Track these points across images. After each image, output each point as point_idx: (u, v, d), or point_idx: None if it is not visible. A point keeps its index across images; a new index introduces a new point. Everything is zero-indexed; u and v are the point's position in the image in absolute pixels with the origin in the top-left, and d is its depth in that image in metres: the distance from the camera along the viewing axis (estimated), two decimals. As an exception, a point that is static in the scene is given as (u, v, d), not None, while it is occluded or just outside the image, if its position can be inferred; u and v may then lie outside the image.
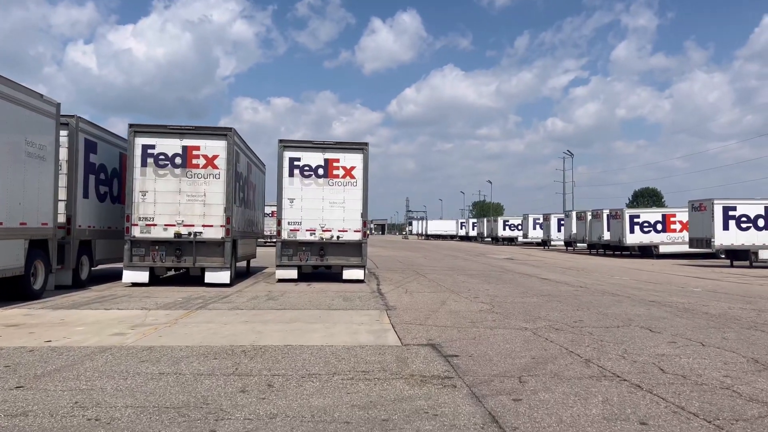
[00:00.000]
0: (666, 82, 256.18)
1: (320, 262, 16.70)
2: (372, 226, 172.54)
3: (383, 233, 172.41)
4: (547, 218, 59.94)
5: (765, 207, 31.62)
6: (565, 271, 24.28)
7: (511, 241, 71.45)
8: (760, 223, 31.41)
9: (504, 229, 72.73)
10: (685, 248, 40.41)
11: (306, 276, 17.27)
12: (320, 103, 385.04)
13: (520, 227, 69.43)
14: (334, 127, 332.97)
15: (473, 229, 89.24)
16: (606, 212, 45.70)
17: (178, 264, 15.00)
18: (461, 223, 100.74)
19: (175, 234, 14.80)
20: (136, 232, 14.82)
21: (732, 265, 31.48)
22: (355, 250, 16.77)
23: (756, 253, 31.14)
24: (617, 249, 44.56)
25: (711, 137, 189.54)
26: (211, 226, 14.99)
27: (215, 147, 15.14)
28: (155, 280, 15.50)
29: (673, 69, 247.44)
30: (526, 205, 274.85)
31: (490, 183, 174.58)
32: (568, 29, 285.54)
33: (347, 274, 16.73)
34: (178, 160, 15.00)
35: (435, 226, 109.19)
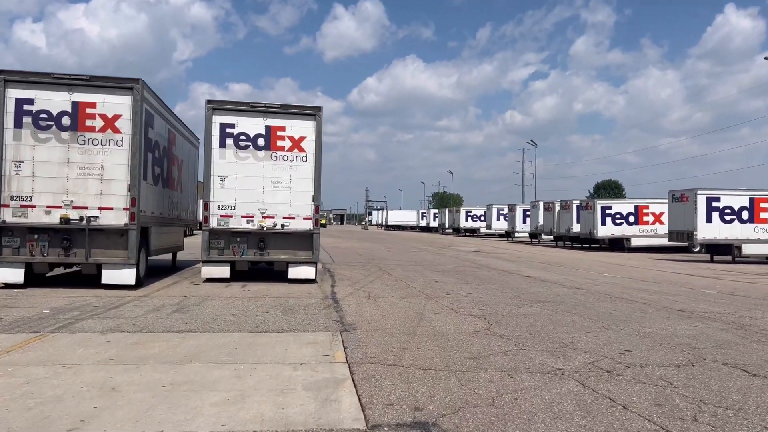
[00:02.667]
0: (621, 77, 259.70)
1: (259, 257, 13.20)
2: (331, 215, 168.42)
3: (342, 223, 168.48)
4: (512, 209, 57.56)
5: (750, 198, 29.57)
6: (544, 267, 21.45)
7: (473, 232, 69.05)
8: (745, 215, 29.34)
9: (467, 220, 70.20)
10: (658, 241, 38.46)
11: (242, 274, 13.75)
12: (280, 90, 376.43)
13: (483, 218, 67.03)
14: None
15: (434, 220, 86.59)
16: (576, 203, 43.43)
17: (66, 259, 11.28)
18: (422, 213, 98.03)
19: (61, 219, 11.07)
20: (6, 215, 11.02)
21: (712, 260, 29.41)
22: (304, 242, 13.34)
23: (739, 248, 29.04)
24: (586, 242, 42.34)
25: (662, 133, 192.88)
26: (111, 208, 11.30)
27: (117, 104, 11.42)
28: (36, 279, 11.70)
29: (629, 65, 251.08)
30: (484, 197, 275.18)
31: (451, 173, 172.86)
32: (529, 22, 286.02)
33: (294, 272, 13.28)
34: (65, 121, 11.23)
35: (395, 217, 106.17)
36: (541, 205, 49.52)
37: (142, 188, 11.74)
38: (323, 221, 78.59)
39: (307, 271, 13.29)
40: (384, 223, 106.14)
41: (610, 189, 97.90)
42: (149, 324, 7.66)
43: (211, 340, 6.61)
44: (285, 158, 13.28)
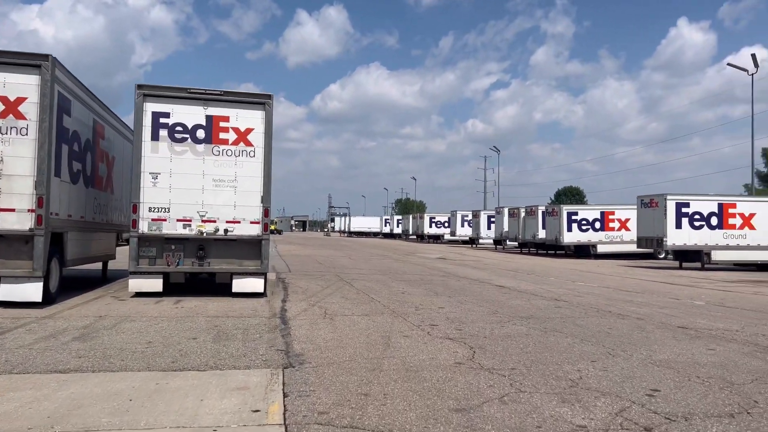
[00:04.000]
0: (580, 88, 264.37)
1: (198, 268, 11.35)
2: (293, 222, 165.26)
3: (304, 230, 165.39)
4: (476, 215, 56.65)
5: (718, 204, 28.97)
6: (515, 275, 20.13)
7: (437, 238, 67.89)
8: (714, 221, 28.73)
9: (430, 226, 69.01)
10: (624, 248, 37.85)
11: (178, 287, 11.87)
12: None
13: (447, 224, 66.00)
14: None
15: (398, 226, 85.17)
16: (541, 209, 42.60)
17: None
18: (385, 220, 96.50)
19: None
20: None
21: (681, 267, 28.71)
22: (251, 249, 11.55)
23: (709, 254, 28.37)
24: (552, 248, 41.50)
25: (619, 142, 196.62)
26: (12, 210, 9.32)
27: (20, 84, 9.46)
28: None
29: (588, 76, 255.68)
30: (447, 204, 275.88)
31: (415, 180, 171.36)
32: (491, 32, 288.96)
33: (239, 285, 11.46)
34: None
35: (358, 223, 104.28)
36: (506, 211, 48.60)
37: (53, 186, 9.79)
38: (274, 226, 75.64)
39: (254, 284, 11.50)
40: (347, 229, 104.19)
41: (572, 196, 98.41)
42: (30, 359, 5.80)
43: (101, 386, 4.82)
44: (229, 153, 11.49)
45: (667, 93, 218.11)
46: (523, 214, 44.49)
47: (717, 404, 4.69)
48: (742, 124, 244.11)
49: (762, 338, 8.17)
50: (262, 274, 11.55)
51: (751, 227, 28.61)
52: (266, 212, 11.60)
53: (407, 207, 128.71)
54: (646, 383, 5.29)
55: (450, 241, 63.57)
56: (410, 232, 74.25)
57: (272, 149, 11.84)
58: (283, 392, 4.74)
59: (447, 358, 6.18)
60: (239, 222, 11.44)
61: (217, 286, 12.03)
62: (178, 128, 11.34)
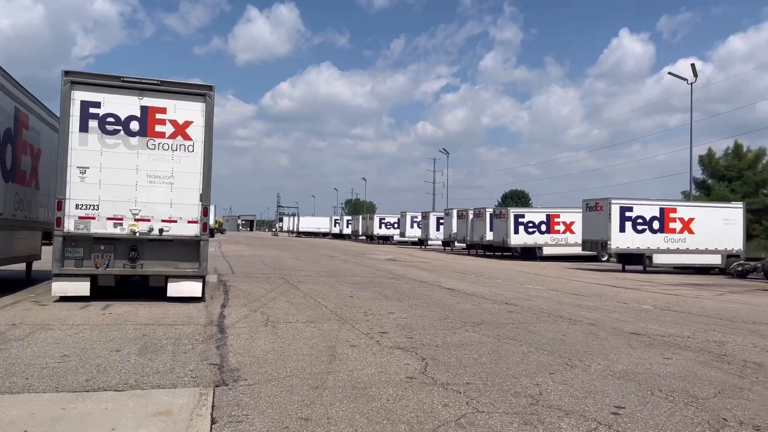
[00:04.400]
0: (527, 94, 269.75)
1: (131, 270, 10.51)
2: (240, 221, 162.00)
3: (252, 229, 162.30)
4: (425, 216, 56.74)
5: (660, 208, 29.76)
6: (464, 277, 19.95)
7: (387, 239, 67.68)
8: (655, 225, 29.47)
9: (380, 227, 68.76)
10: (569, 250, 38.53)
11: (107, 291, 10.98)
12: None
13: (396, 225, 65.92)
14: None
15: (348, 227, 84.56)
16: (489, 211, 43.00)
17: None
18: (335, 220, 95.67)
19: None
20: None
21: (623, 270, 29.35)
22: (188, 251, 10.78)
23: (650, 257, 29.08)
24: (499, 249, 41.91)
25: (563, 147, 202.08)
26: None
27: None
28: None
29: (534, 82, 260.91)
30: (397, 205, 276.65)
31: (365, 180, 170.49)
32: (441, 36, 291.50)
33: (174, 288, 10.67)
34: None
35: (307, 223, 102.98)
36: (454, 213, 48.84)
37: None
38: (217, 225, 73.25)
39: (191, 287, 10.74)
40: (295, 229, 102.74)
41: (518, 199, 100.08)
42: None
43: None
44: (166, 147, 10.70)
45: (608, 101, 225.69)
46: (471, 216, 44.76)
47: (686, 423, 4.39)
48: (677, 132, 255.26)
49: (714, 345, 8.07)
50: (200, 277, 10.80)
51: (690, 231, 29.49)
52: (205, 211, 10.86)
53: (357, 207, 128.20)
54: (609, 399, 4.96)
55: (399, 242, 63.50)
56: (360, 233, 73.80)
57: (213, 144, 11.13)
58: (212, 417, 4.15)
59: (398, 372, 5.71)
60: (176, 221, 10.67)
61: (151, 290, 11.19)
62: (110, 119, 10.47)
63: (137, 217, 10.49)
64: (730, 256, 29.14)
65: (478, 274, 21.74)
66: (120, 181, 10.42)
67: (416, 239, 58.82)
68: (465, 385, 5.26)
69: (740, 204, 31.37)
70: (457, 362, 6.27)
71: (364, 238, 71.97)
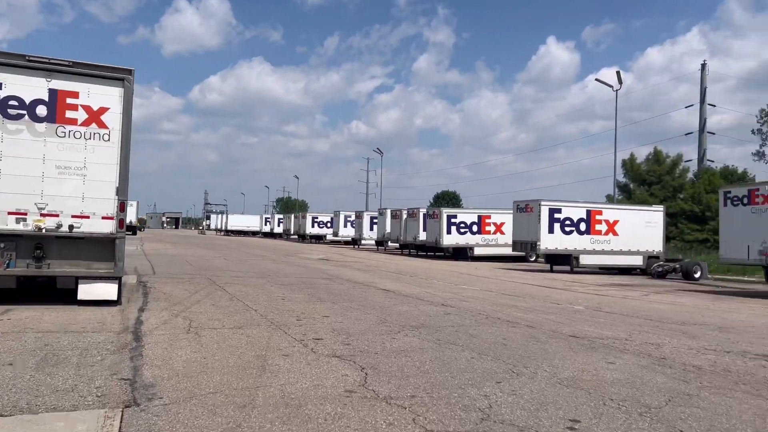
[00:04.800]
0: (458, 97, 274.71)
1: (35, 271, 9.43)
2: (165, 218, 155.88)
3: (177, 227, 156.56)
4: (359, 216, 56.36)
5: (587, 210, 30.63)
6: (399, 277, 19.67)
7: (319, 238, 66.79)
8: (582, 227, 30.30)
9: (313, 226, 67.77)
10: (499, 251, 39.16)
11: (8, 294, 9.84)
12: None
13: (329, 224, 65.14)
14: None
15: (279, 226, 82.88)
16: (423, 211, 43.15)
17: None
18: (266, 218, 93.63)
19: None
20: None
21: (551, 270, 30.02)
22: (102, 249, 9.82)
23: (577, 258, 29.84)
24: (432, 250, 42.08)
25: (491, 150, 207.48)
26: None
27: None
28: None
29: (465, 85, 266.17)
30: (329, 204, 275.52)
31: (297, 178, 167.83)
32: (375, 36, 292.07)
33: (86, 291, 9.68)
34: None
35: (236, 221, 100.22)
36: (388, 212, 48.69)
37: None
38: (138, 223, 69.34)
39: (105, 290, 9.78)
40: (224, 228, 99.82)
41: (449, 199, 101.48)
42: None
43: None
44: (78, 135, 9.69)
45: (536, 106, 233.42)
46: (405, 216, 44.76)
47: (644, 437, 4.12)
48: (599, 138, 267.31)
49: (652, 348, 8.03)
50: (115, 278, 9.86)
51: (615, 233, 30.50)
52: (122, 206, 9.93)
53: (289, 206, 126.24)
54: (562, 411, 4.65)
55: (332, 242, 62.78)
56: (292, 232, 72.51)
57: (134, 135, 10.23)
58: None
59: (335, 385, 5.19)
60: (88, 217, 9.69)
61: (59, 293, 10.13)
62: (13, 102, 9.37)
63: (44, 211, 9.45)
64: (650, 257, 30.32)
65: (412, 275, 21.50)
66: (24, 172, 9.35)
67: (349, 239, 58.28)
68: (410, 399, 4.82)
69: (661, 207, 32.77)
70: (399, 371, 5.83)
71: (296, 237, 70.78)
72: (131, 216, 62.18)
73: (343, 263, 27.05)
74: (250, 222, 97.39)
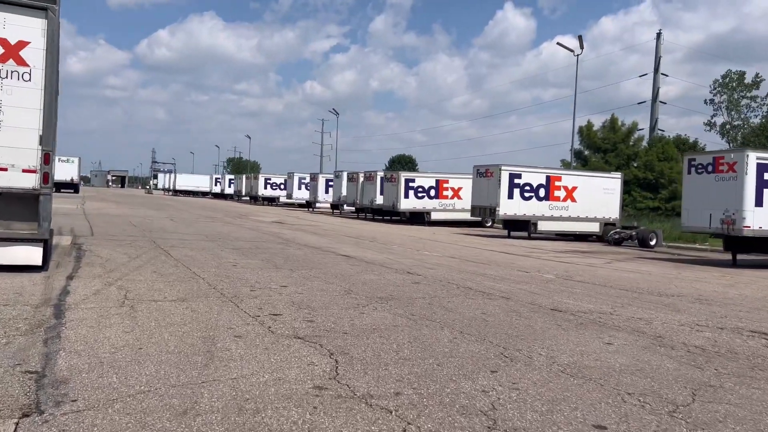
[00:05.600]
0: (415, 60, 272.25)
1: (-60, 231, 8.04)
2: (110, 177, 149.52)
3: (123, 186, 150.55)
4: (314, 178, 54.83)
5: (546, 176, 30.27)
6: (358, 242, 18.78)
7: (272, 201, 64.98)
8: (541, 192, 29.95)
9: (266, 187, 65.79)
10: (456, 216, 38.71)
11: None
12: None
13: (283, 187, 63.40)
14: (70, 64, 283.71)
15: (230, 187, 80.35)
16: (380, 174, 42.12)
17: None
18: (216, 179, 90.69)
19: None
20: None
21: (509, 236, 29.72)
22: (22, 208, 8.46)
23: (536, 224, 29.58)
24: (388, 214, 41.29)
25: (447, 115, 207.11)
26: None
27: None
28: None
29: (422, 48, 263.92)
30: (282, 165, 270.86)
31: (249, 138, 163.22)
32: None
33: (4, 255, 8.32)
34: None
35: (185, 181, 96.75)
36: (344, 175, 47.42)
37: None
38: (71, 179, 57.63)
39: (27, 254, 8.46)
40: (172, 187, 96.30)
41: (405, 164, 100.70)
42: None
43: None
44: (-9, 73, 8.20)
45: (491, 71, 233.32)
46: (362, 179, 43.64)
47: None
48: (551, 105, 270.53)
49: (642, 324, 7.40)
50: (40, 240, 8.55)
51: (573, 200, 30.30)
52: (47, 158, 8.53)
53: (240, 167, 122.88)
54: (580, 412, 3.84)
55: (286, 204, 61.19)
56: (243, 193, 70.34)
57: (59, 73, 8.79)
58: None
59: (301, 378, 4.23)
60: (5, 169, 8.28)
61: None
62: None
63: (-51, 162, 8.00)
64: (607, 224, 30.31)
65: (371, 240, 20.63)
66: None
67: (304, 201, 56.83)
68: (394, 398, 3.91)
69: (619, 174, 32.71)
70: (375, 358, 4.91)
71: (248, 198, 68.73)
72: (72, 173, 58.61)
73: (298, 227, 25.93)
74: (200, 182, 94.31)
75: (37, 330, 5.22)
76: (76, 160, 59.55)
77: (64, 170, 57.70)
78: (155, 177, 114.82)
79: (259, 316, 6.38)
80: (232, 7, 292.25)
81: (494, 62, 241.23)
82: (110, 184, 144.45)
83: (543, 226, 29.77)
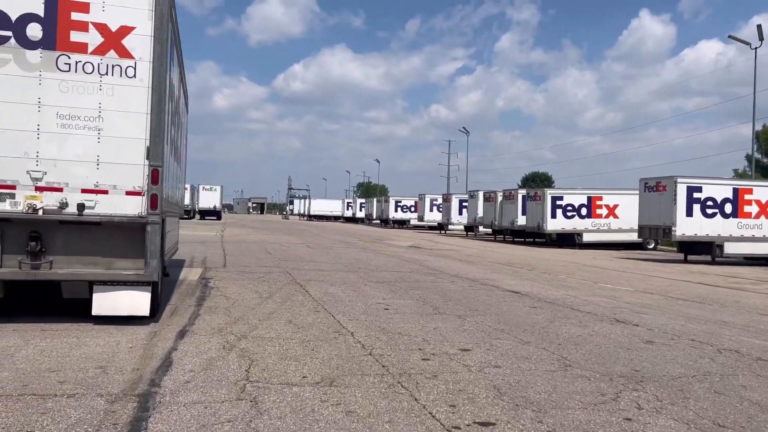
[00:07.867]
0: (542, 76, 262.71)
1: (29, 273, 6.28)
2: (251, 204, 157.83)
3: (262, 212, 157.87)
4: (447, 199, 52.24)
5: (734, 188, 25.28)
6: (516, 272, 15.71)
7: (402, 223, 63.36)
8: (728, 208, 24.92)
9: (396, 210, 64.31)
10: (612, 237, 34.03)
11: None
12: (201, 73, 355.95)
13: (413, 209, 61.55)
14: (216, 100, 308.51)
15: (361, 210, 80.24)
16: (522, 193, 38.49)
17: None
18: (348, 203, 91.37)
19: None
20: None
21: (686, 260, 24.93)
22: (126, 240, 6.54)
23: (721, 246, 24.56)
24: (531, 236, 37.41)
25: (577, 131, 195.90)
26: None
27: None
28: None
29: (550, 64, 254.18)
30: (409, 188, 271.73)
31: (378, 162, 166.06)
32: (457, 17, 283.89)
33: (104, 302, 6.42)
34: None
35: (319, 206, 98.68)
36: (480, 195, 44.30)
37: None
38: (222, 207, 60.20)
39: (132, 301, 6.50)
40: (307, 213, 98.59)
41: (540, 182, 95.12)
42: None
43: None
44: (89, 69, 6.41)
45: (626, 83, 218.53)
46: (500, 199, 40.30)
47: None
48: (694, 116, 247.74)
49: None
50: (147, 283, 6.56)
51: (768, 216, 24.96)
52: (155, 176, 6.57)
53: (369, 191, 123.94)
54: None
55: (417, 227, 59.22)
56: (374, 217, 69.54)
57: (179, 66, 6.90)
58: None
59: None
60: (106, 191, 6.42)
61: (67, 304, 6.96)
62: (-8, 19, 6.22)
63: (40, 184, 6.27)
64: (818, 246, 24.53)
65: (529, 268, 17.45)
66: (10, 125, 6.20)
67: (435, 224, 54.44)
68: None
69: (829, 184, 26.62)
70: None
71: (379, 222, 67.73)
72: (215, 200, 60.93)
73: (438, 252, 23.31)
74: (333, 207, 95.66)
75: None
76: (218, 188, 61.92)
77: (208, 198, 60.36)
78: (291, 203, 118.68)
79: (459, 428, 3.68)
80: (361, 37, 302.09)
81: (629, 73, 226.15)
82: (251, 210, 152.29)
83: (731, 248, 24.70)
